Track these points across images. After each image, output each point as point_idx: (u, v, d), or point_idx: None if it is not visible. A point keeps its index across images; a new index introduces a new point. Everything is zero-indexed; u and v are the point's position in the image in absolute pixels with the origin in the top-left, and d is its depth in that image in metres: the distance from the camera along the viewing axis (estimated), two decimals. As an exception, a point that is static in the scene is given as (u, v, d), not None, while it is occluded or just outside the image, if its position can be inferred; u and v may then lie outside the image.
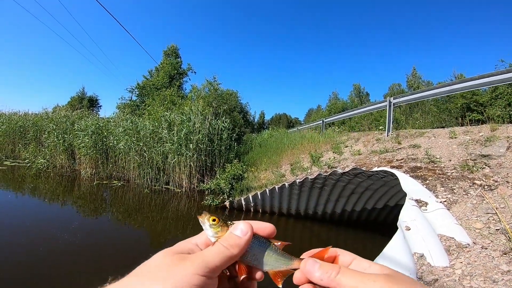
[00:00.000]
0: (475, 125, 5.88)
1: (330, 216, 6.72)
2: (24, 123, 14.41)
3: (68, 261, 3.88)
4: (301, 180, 5.71)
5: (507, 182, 2.99)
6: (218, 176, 8.21)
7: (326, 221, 6.69)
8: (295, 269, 0.45)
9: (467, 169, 3.49)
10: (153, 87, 21.05)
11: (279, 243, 0.47)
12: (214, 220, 0.45)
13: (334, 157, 6.70)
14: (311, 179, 5.52)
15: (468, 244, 2.30)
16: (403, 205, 3.03)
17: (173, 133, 9.30)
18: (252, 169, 8.82)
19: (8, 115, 16.52)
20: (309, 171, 6.62)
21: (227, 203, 7.27)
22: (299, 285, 0.44)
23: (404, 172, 3.95)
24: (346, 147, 7.25)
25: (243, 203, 7.01)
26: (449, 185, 3.25)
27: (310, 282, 0.43)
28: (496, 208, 2.61)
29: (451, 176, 3.46)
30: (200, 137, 9.23)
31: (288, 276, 0.46)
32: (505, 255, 2.08)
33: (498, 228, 2.38)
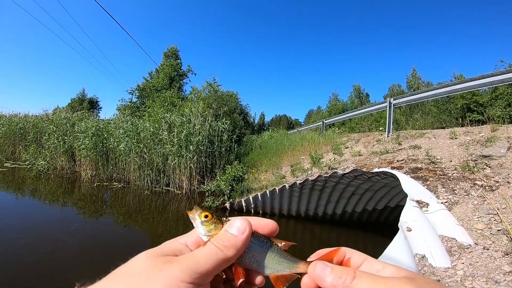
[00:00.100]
0: (475, 125, 5.88)
1: (330, 217, 6.71)
2: (25, 125, 14.43)
3: (68, 263, 3.87)
4: (302, 181, 5.70)
5: (508, 182, 2.98)
6: (218, 178, 8.20)
7: (327, 223, 6.67)
8: (300, 274, 0.40)
9: (468, 170, 3.49)
10: (153, 89, 21.09)
11: (282, 243, 0.41)
12: (206, 216, 0.39)
13: (335, 158, 6.69)
14: (311, 180, 5.51)
15: (470, 245, 2.30)
16: (404, 206, 3.02)
17: (173, 135, 9.30)
18: (253, 170, 8.81)
19: (9, 116, 16.56)
20: (309, 172, 6.62)
21: (227, 205, 7.26)
22: None
23: (404, 173, 3.94)
24: (347, 148, 7.25)
25: (244, 204, 7.00)
26: (450, 186, 3.25)
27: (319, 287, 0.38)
28: (498, 209, 2.60)
29: (452, 177, 3.46)
30: (200, 138, 9.23)
31: (292, 281, 0.41)
32: (507, 256, 2.07)
33: (499, 228, 2.37)
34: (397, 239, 2.56)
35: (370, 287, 0.32)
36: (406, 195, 3.31)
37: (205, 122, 9.68)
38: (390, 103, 7.10)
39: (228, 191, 7.50)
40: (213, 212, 0.40)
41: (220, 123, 10.01)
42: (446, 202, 2.97)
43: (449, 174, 3.55)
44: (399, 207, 5.87)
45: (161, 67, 22.96)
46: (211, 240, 0.37)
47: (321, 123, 13.06)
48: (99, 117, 17.09)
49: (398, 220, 2.84)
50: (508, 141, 3.94)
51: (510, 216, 2.47)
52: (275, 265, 0.40)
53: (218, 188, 7.75)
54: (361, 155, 6.11)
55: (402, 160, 4.64)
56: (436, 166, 3.94)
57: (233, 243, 0.37)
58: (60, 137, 11.67)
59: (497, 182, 3.07)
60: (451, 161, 3.97)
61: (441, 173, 3.65)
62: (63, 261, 3.92)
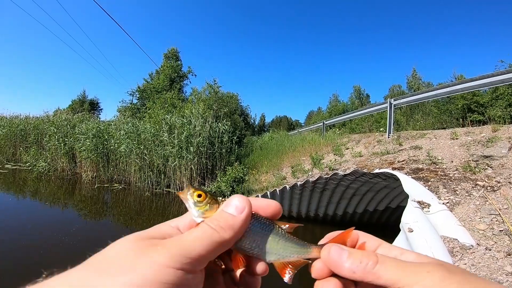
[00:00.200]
0: (476, 126, 5.88)
1: (331, 218, 6.69)
2: (25, 127, 14.46)
3: (69, 264, 3.87)
4: (302, 182, 5.69)
5: (510, 183, 2.97)
6: (219, 179, 8.20)
7: (328, 224, 6.66)
8: (310, 259, 0.35)
9: (469, 170, 3.48)
10: (153, 90, 21.12)
11: (286, 225, 0.37)
12: (199, 195, 0.34)
13: (335, 159, 6.69)
14: (312, 181, 5.50)
15: (472, 246, 2.29)
16: (405, 206, 3.01)
17: (174, 136, 9.31)
18: (253, 171, 8.81)
19: (9, 118, 16.61)
20: (310, 173, 6.61)
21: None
22: (319, 279, 0.34)
23: (406, 174, 3.93)
24: (347, 149, 7.25)
25: (244, 205, 6.99)
26: (452, 187, 3.24)
27: (334, 274, 0.33)
28: (499, 209, 2.59)
29: (453, 177, 3.45)
30: (201, 140, 9.23)
31: (300, 269, 0.36)
32: (509, 256, 2.06)
33: (501, 229, 2.36)
34: (399, 240, 2.55)
35: (397, 274, 0.28)
36: (407, 196, 3.30)
37: (205, 123, 9.69)
38: (390, 103, 7.10)
39: (229, 192, 7.49)
40: (208, 191, 0.36)
41: (220, 125, 10.03)
42: (447, 202, 2.96)
43: (451, 175, 3.54)
44: (400, 208, 5.85)
45: (161, 69, 23.01)
46: (205, 221, 0.32)
47: (322, 124, 13.07)
48: (99, 118, 17.13)
49: (399, 221, 2.83)
50: (509, 141, 3.93)
51: (512, 217, 2.46)
52: (280, 251, 0.35)
53: (219, 190, 7.74)
54: (362, 156, 6.10)
55: (403, 160, 4.63)
56: (437, 166, 3.93)
57: (231, 224, 0.32)
58: (61, 139, 11.69)
59: (499, 182, 3.06)
60: (452, 161, 3.97)
61: (442, 173, 3.64)
62: (64, 262, 3.90)
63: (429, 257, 0.31)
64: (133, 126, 10.37)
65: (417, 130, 8.19)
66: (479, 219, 2.57)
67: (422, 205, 2.99)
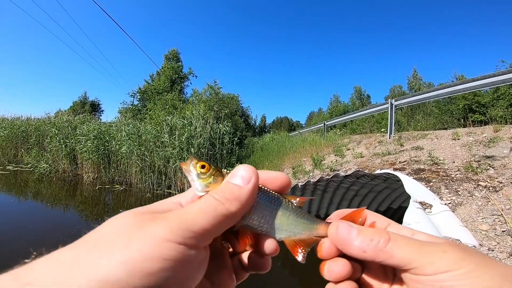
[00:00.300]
0: (477, 126, 5.86)
1: (333, 219, 6.68)
2: (27, 128, 14.49)
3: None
4: (303, 183, 5.68)
5: (512, 183, 2.96)
6: (220, 180, 8.19)
7: (329, 224, 6.64)
8: (320, 237, 0.32)
9: (471, 171, 3.47)
10: (154, 91, 21.17)
11: (297, 199, 0.34)
12: (203, 166, 0.32)
13: (336, 160, 6.68)
14: (313, 182, 5.49)
15: (475, 246, 2.27)
16: (406, 207, 3.00)
17: (175, 137, 9.31)
18: (254, 172, 8.79)
19: (11, 120, 16.64)
20: (311, 174, 6.60)
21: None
22: (327, 259, 0.31)
23: (407, 175, 3.92)
24: (348, 149, 7.23)
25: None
26: (454, 187, 3.22)
27: (343, 254, 0.31)
28: (502, 210, 2.58)
29: (455, 178, 3.43)
30: (202, 141, 9.24)
31: (312, 249, 0.33)
32: (511, 257, 2.05)
33: (504, 229, 2.35)
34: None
35: (411, 253, 0.26)
36: (409, 197, 3.29)
37: (206, 124, 9.70)
38: (391, 104, 7.08)
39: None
40: (212, 163, 0.33)
41: (221, 126, 10.03)
42: (449, 203, 2.95)
43: (452, 175, 3.53)
44: (402, 209, 5.84)
45: (162, 70, 23.08)
46: (209, 193, 0.30)
47: (323, 125, 13.05)
48: (100, 120, 17.16)
49: (401, 222, 2.81)
50: (511, 142, 3.92)
51: (515, 217, 2.44)
52: (291, 227, 0.32)
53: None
54: (363, 156, 6.09)
55: (404, 161, 4.62)
56: (439, 167, 3.92)
57: (237, 195, 0.29)
58: (62, 140, 11.71)
59: (501, 182, 3.04)
60: (454, 162, 3.95)
61: (444, 174, 3.63)
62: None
63: (441, 238, 0.29)
64: (134, 128, 10.39)
65: (418, 130, 8.18)
66: (482, 220, 2.56)
67: (424, 205, 2.98)
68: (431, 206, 2.95)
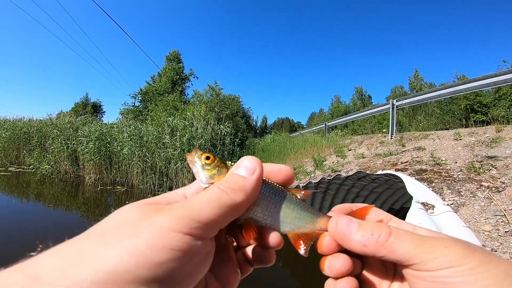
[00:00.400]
0: (479, 126, 5.84)
1: (334, 220, 6.67)
2: (29, 129, 14.55)
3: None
4: (305, 184, 5.67)
5: (515, 183, 2.94)
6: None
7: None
8: (323, 231, 0.32)
9: (474, 171, 3.45)
10: (155, 93, 21.24)
11: (302, 192, 0.34)
12: (208, 158, 0.32)
13: (338, 161, 6.66)
14: (314, 183, 5.48)
15: (477, 247, 2.26)
16: (408, 208, 2.99)
17: (176, 139, 9.33)
18: (255, 173, 8.79)
19: (13, 121, 16.70)
20: (312, 175, 6.59)
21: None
22: (327, 255, 0.31)
23: (409, 175, 3.91)
24: (350, 150, 7.22)
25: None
26: (456, 188, 3.21)
27: (343, 250, 0.30)
28: (505, 210, 2.56)
29: (457, 179, 3.42)
30: (203, 142, 9.26)
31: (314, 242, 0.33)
32: (515, 259, 2.03)
33: (507, 230, 2.34)
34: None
35: (412, 248, 0.26)
36: (411, 197, 3.27)
37: (207, 125, 9.72)
38: (392, 104, 7.07)
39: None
40: (216, 155, 0.33)
41: (222, 127, 10.05)
42: (452, 204, 2.94)
43: (455, 176, 3.51)
44: (404, 209, 5.82)
45: (163, 71, 23.16)
46: (214, 184, 0.30)
47: (324, 125, 13.03)
48: (102, 121, 17.22)
49: (403, 223, 2.80)
50: (513, 142, 3.90)
51: (518, 218, 2.43)
52: (294, 220, 0.32)
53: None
54: (365, 157, 6.07)
55: (406, 162, 4.61)
56: (441, 167, 3.90)
57: (242, 185, 0.29)
58: (64, 142, 11.75)
59: (504, 183, 3.03)
60: (456, 162, 3.94)
61: (446, 174, 3.61)
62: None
63: (443, 233, 0.29)
64: (135, 129, 10.42)
65: (420, 131, 8.16)
66: (484, 220, 2.54)
67: (427, 206, 2.97)
68: (433, 206, 2.94)
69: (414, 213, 2.85)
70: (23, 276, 0.21)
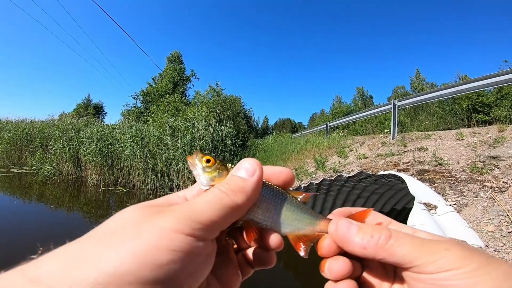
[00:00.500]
0: (481, 126, 5.81)
1: (336, 220, 6.64)
2: (31, 131, 14.60)
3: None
4: (306, 185, 5.66)
5: (518, 184, 2.93)
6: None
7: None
8: (323, 233, 0.32)
9: (476, 171, 3.43)
10: (157, 94, 21.30)
11: (302, 195, 0.34)
12: (208, 160, 0.32)
13: (339, 161, 6.65)
14: (316, 184, 5.47)
15: (481, 247, 2.25)
16: (410, 208, 2.97)
17: (177, 140, 9.34)
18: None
19: (15, 122, 16.78)
20: (314, 176, 6.58)
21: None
22: (327, 257, 0.31)
23: (411, 175, 3.90)
24: (351, 151, 7.20)
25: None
26: (459, 188, 3.19)
27: (343, 253, 0.30)
28: (508, 210, 2.55)
29: (460, 179, 3.40)
30: (204, 143, 9.26)
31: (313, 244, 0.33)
32: (519, 259, 2.02)
33: (510, 230, 2.32)
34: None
35: (412, 251, 0.26)
36: (413, 198, 3.26)
37: (208, 126, 9.72)
38: (394, 105, 7.05)
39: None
40: (217, 157, 0.33)
41: (223, 128, 10.05)
42: (454, 204, 2.92)
43: (457, 176, 3.49)
44: (406, 210, 5.80)
45: (164, 72, 23.22)
46: (215, 185, 0.30)
47: (325, 126, 13.02)
48: (104, 122, 17.27)
49: (405, 223, 2.79)
50: (516, 142, 3.88)
51: (521, 218, 2.41)
52: (295, 222, 0.32)
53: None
54: (366, 157, 6.06)
55: (408, 162, 4.59)
56: (444, 168, 3.89)
57: (242, 187, 0.29)
58: (66, 143, 11.79)
59: (506, 183, 3.01)
60: (458, 162, 3.92)
61: (448, 175, 3.60)
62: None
63: (443, 237, 0.29)
64: (137, 130, 10.44)
65: (421, 131, 8.13)
66: (487, 221, 2.53)
67: (429, 207, 2.95)
68: (436, 207, 2.93)
69: (417, 213, 2.83)
70: (24, 278, 0.20)
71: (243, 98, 22.91)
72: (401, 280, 0.29)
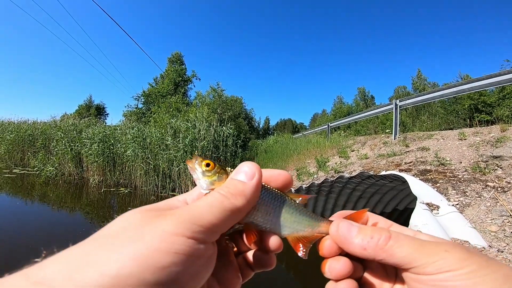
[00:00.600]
0: (484, 126, 5.79)
1: (338, 221, 6.63)
2: (33, 132, 14.66)
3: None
4: (308, 185, 5.65)
5: (521, 183, 2.91)
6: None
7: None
8: (322, 235, 0.33)
9: (479, 171, 3.42)
10: (158, 95, 21.32)
11: (300, 198, 0.35)
12: (208, 165, 0.33)
13: (341, 162, 6.64)
14: (317, 184, 5.46)
15: (484, 248, 2.23)
16: (413, 209, 2.96)
17: (179, 140, 9.35)
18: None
19: (17, 123, 16.86)
20: (315, 176, 6.57)
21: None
22: (328, 258, 0.32)
23: (413, 176, 3.88)
24: (353, 151, 7.19)
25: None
26: (461, 188, 3.18)
27: (344, 253, 0.31)
28: (511, 210, 2.53)
29: (462, 179, 3.39)
30: (205, 143, 9.27)
31: (314, 246, 0.34)
32: (523, 260, 2.00)
33: (514, 231, 2.31)
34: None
35: (412, 252, 0.26)
36: (415, 198, 3.25)
37: (210, 127, 9.73)
38: (396, 105, 7.03)
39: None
40: (216, 161, 0.34)
41: (225, 128, 10.05)
42: (457, 204, 2.91)
43: (460, 176, 3.48)
44: (408, 210, 5.77)
45: (166, 73, 23.25)
46: (215, 189, 0.31)
47: (326, 126, 12.99)
48: (106, 123, 17.32)
49: (407, 224, 2.78)
50: (519, 142, 3.86)
51: (525, 218, 2.40)
52: (294, 224, 0.33)
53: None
54: (368, 158, 6.04)
55: (410, 162, 4.57)
56: (446, 168, 3.87)
57: (241, 190, 0.29)
58: (68, 144, 11.83)
59: (509, 183, 2.99)
60: (461, 162, 3.90)
61: (451, 175, 3.58)
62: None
63: (443, 239, 0.29)
64: (138, 131, 10.46)
65: (423, 131, 8.10)
66: (490, 221, 2.51)
67: (431, 207, 2.94)
68: (438, 207, 2.91)
69: (419, 213, 2.82)
70: (27, 282, 0.21)
71: (244, 98, 22.98)
72: (402, 281, 0.29)
